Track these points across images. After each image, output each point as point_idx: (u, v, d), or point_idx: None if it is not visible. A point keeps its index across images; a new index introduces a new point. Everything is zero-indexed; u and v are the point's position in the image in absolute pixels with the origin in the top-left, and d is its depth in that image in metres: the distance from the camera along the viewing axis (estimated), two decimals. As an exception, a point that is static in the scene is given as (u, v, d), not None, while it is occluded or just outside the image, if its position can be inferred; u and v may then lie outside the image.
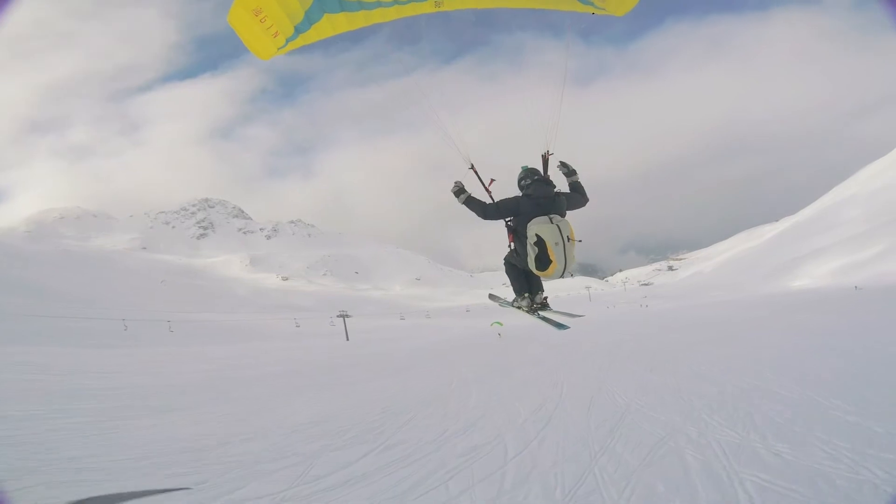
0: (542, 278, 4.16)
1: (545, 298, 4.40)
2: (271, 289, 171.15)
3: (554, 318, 4.30)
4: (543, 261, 3.66)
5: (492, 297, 5.49)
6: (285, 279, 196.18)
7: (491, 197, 4.09)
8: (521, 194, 3.97)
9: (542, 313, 4.30)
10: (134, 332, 41.66)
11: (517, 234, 3.94)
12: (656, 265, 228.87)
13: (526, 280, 4.28)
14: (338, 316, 50.34)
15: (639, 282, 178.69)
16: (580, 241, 3.66)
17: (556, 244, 3.58)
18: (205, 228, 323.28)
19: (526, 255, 3.77)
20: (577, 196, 4.06)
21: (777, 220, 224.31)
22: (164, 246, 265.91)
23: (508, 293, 4.71)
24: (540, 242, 3.62)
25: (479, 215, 3.97)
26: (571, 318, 4.44)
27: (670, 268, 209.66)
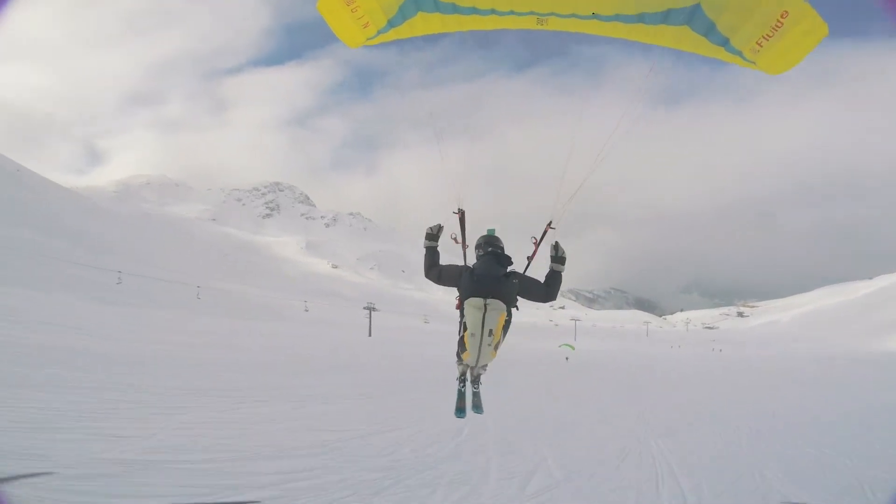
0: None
1: (478, 378, 3.97)
2: (321, 274, 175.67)
3: (463, 396, 3.91)
4: (462, 344, 3.37)
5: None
6: (335, 267, 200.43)
7: (464, 252, 3.72)
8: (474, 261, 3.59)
9: (461, 387, 3.91)
10: (157, 294, 41.41)
11: (461, 301, 3.47)
12: (723, 309, 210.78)
13: (461, 343, 3.57)
14: (364, 308, 47.76)
15: (703, 324, 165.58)
16: (499, 341, 3.34)
17: (472, 335, 3.23)
18: (271, 209, 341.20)
19: (461, 328, 3.44)
20: (543, 288, 3.49)
21: (871, 279, 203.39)
22: (234, 221, 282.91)
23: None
24: (463, 325, 3.31)
25: (424, 268, 3.66)
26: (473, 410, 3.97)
27: (740, 314, 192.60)
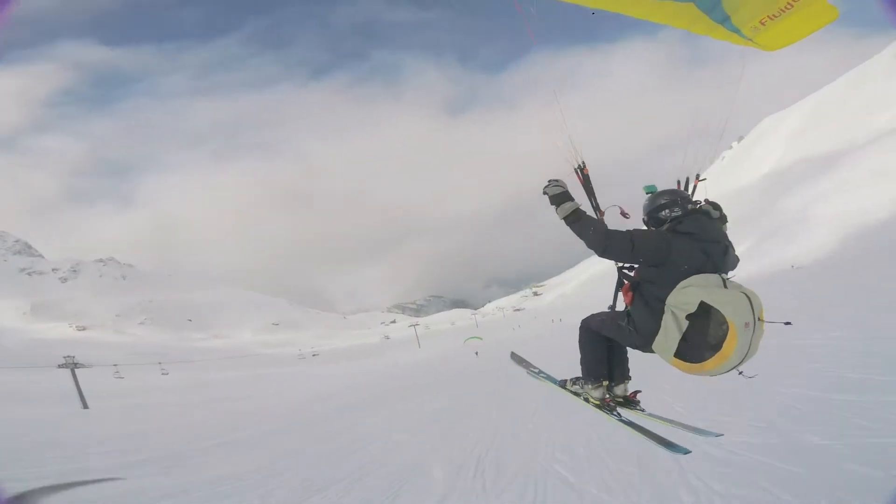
0: (680, 369, 2.31)
1: (635, 393, 2.74)
2: (57, 340, 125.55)
3: (653, 431, 2.58)
4: (700, 346, 2.16)
5: (514, 357, 3.54)
6: (81, 329, 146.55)
7: (599, 213, 2.66)
8: (662, 229, 2.42)
9: (625, 415, 2.63)
10: None
11: (644, 293, 2.37)
12: (522, 293, 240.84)
13: (607, 359, 2.63)
14: (59, 366, 28.93)
15: (512, 308, 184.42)
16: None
17: (746, 325, 2.09)
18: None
19: (652, 330, 2.27)
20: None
21: None
22: None
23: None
24: (704, 316, 2.13)
25: (592, 245, 2.32)
26: (700, 434, 2.74)
27: (535, 293, 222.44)
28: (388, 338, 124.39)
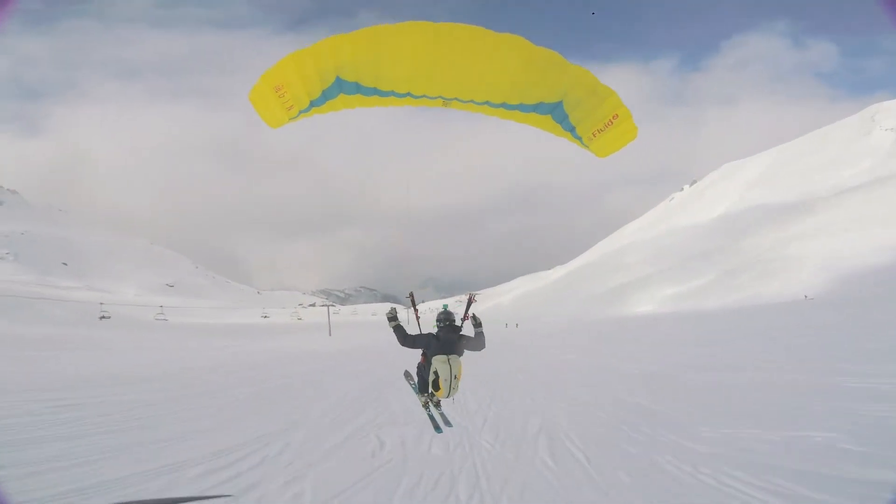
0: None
1: (438, 402, 5.13)
2: None
3: (436, 419, 5.06)
4: (436, 385, 4.45)
5: (407, 375, 5.69)
6: None
7: (418, 323, 4.80)
8: (434, 330, 4.65)
9: (431, 411, 5.07)
10: None
11: (427, 357, 4.65)
12: (457, 297, 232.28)
13: (426, 383, 4.82)
14: None
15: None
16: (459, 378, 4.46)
17: (445, 380, 4.36)
18: None
19: (429, 374, 4.51)
20: (476, 342, 4.72)
21: (550, 269, 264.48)
22: None
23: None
24: (436, 373, 4.40)
25: (398, 341, 4.65)
26: (446, 426, 5.13)
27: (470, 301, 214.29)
28: (300, 319, 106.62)
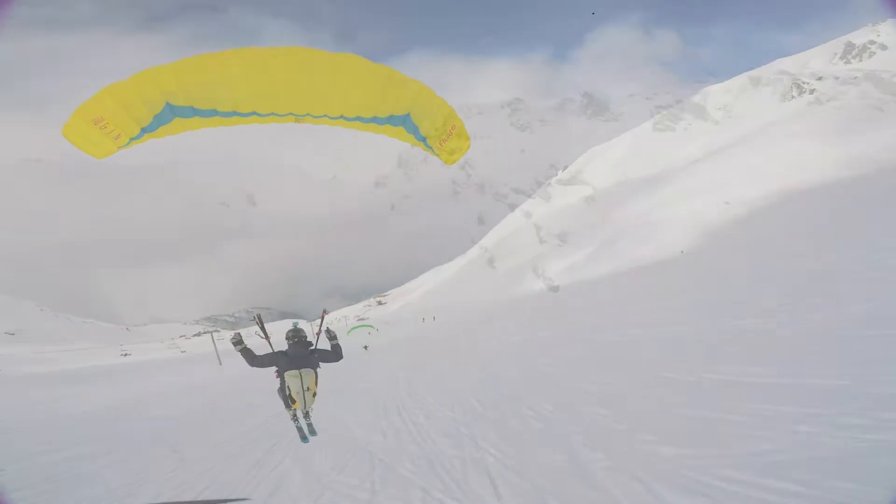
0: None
1: (306, 413, 5.41)
2: None
3: (303, 429, 5.46)
4: (292, 399, 4.96)
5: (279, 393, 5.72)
6: None
7: (268, 341, 5.17)
8: (284, 347, 5.05)
9: (299, 423, 5.41)
10: None
11: (281, 375, 5.02)
12: (365, 302, 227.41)
13: (287, 397, 5.13)
14: None
15: (356, 317, 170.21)
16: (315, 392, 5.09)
17: (297, 392, 4.88)
18: None
19: (285, 390, 4.99)
20: (332, 354, 5.22)
21: (452, 260, 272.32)
22: None
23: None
24: (289, 388, 4.90)
25: (247, 363, 4.91)
26: (311, 435, 5.57)
27: (379, 303, 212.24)
28: (184, 352, 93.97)
